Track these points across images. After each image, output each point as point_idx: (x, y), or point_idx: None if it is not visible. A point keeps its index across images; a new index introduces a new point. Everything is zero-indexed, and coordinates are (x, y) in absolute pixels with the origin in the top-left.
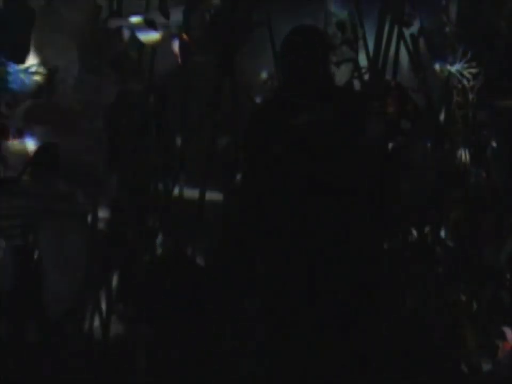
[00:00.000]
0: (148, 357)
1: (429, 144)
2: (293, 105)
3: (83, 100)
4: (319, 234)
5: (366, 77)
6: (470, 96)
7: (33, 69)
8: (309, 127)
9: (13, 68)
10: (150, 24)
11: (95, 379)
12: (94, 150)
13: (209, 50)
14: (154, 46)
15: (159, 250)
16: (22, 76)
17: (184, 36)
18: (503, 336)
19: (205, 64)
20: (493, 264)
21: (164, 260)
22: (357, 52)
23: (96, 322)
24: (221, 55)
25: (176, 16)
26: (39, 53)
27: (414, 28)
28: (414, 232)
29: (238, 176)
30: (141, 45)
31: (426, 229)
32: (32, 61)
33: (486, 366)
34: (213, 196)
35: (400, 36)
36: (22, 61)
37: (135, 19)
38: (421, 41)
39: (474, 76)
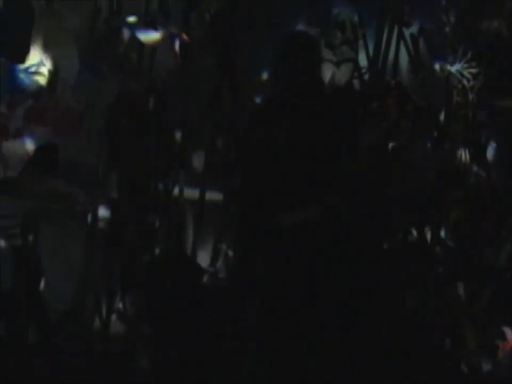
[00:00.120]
0: (148, 357)
1: (429, 144)
2: (292, 106)
3: (83, 99)
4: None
5: (366, 77)
6: (470, 96)
7: (33, 69)
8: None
9: (13, 67)
10: (150, 24)
11: (95, 379)
12: (94, 150)
13: (209, 50)
14: (154, 46)
15: (159, 250)
16: (22, 75)
17: (184, 36)
18: (503, 336)
19: (205, 64)
20: (493, 264)
21: (164, 259)
22: (357, 52)
23: (96, 322)
24: (221, 55)
25: (176, 16)
26: (40, 53)
27: (414, 28)
28: (414, 232)
29: (238, 176)
30: (141, 45)
31: (426, 229)
32: (32, 61)
33: (486, 366)
34: (213, 196)
35: (400, 35)
36: (22, 61)
37: (134, 19)
38: (421, 41)
39: (474, 76)
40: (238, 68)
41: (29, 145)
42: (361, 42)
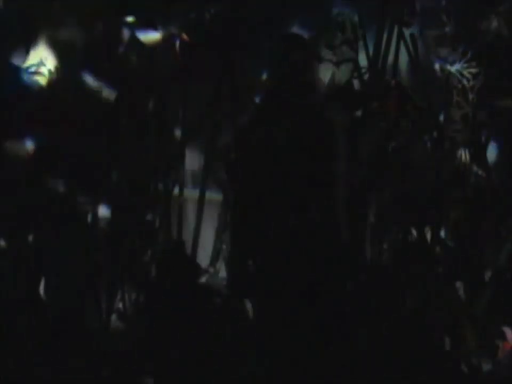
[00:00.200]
0: (148, 357)
1: (429, 144)
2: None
3: (83, 99)
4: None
5: (366, 77)
6: (470, 96)
7: (33, 69)
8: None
9: (13, 68)
10: (150, 24)
11: (95, 379)
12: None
13: (209, 50)
14: (154, 46)
15: (159, 250)
16: (22, 76)
17: (184, 36)
18: (503, 336)
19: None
20: (493, 264)
21: (164, 259)
22: (357, 52)
23: (96, 322)
24: (221, 55)
25: (176, 16)
26: (40, 53)
27: (414, 28)
28: (414, 232)
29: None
30: (141, 45)
31: (426, 229)
32: (32, 61)
33: (486, 366)
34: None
35: (400, 35)
36: (22, 61)
37: (134, 19)
38: (421, 41)
39: (474, 76)
40: (238, 67)
41: (29, 145)
42: (361, 42)
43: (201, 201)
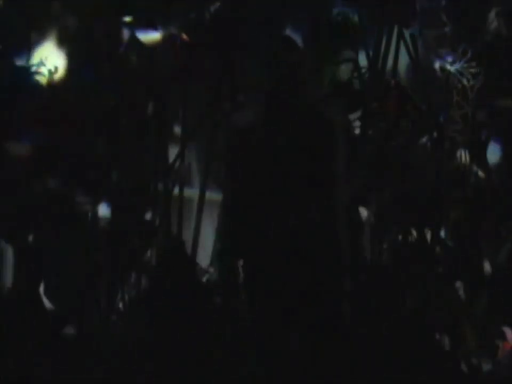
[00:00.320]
0: (148, 357)
1: (429, 144)
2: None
3: (83, 99)
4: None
5: (366, 77)
6: (470, 96)
7: (33, 69)
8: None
9: (13, 67)
10: (150, 24)
11: (95, 379)
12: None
13: (209, 50)
14: (154, 46)
15: (159, 250)
16: (22, 75)
17: (184, 36)
18: (503, 336)
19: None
20: (492, 264)
21: (164, 259)
22: (357, 52)
23: (96, 322)
24: (221, 55)
25: (176, 16)
26: (40, 52)
27: (414, 28)
28: (414, 232)
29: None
30: (141, 45)
31: (426, 229)
32: (32, 61)
33: (486, 366)
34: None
35: (400, 35)
36: (22, 60)
37: (134, 19)
38: (421, 41)
39: (474, 76)
40: (238, 67)
41: (29, 145)
42: (361, 42)
43: (201, 201)
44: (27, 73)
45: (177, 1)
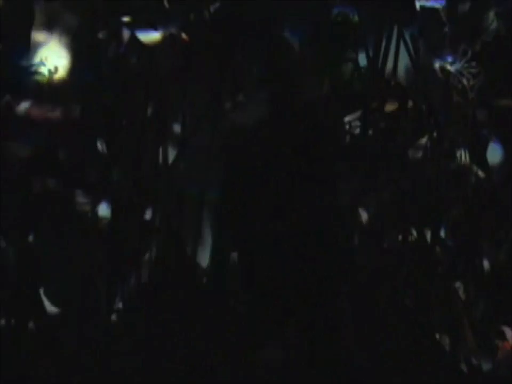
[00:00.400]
0: (148, 357)
1: (429, 144)
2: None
3: (83, 99)
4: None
5: (366, 77)
6: (470, 96)
7: (33, 69)
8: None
9: (13, 67)
10: (150, 24)
11: (95, 378)
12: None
13: (209, 50)
14: (154, 46)
15: (159, 250)
16: (22, 75)
17: (184, 36)
18: (503, 336)
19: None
20: (492, 264)
21: (164, 259)
22: (357, 52)
23: (97, 321)
24: (220, 55)
25: (176, 16)
26: (40, 52)
27: (414, 28)
28: (414, 232)
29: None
30: (141, 45)
31: (426, 229)
32: (32, 61)
33: (486, 366)
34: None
35: (400, 35)
36: (22, 60)
37: (134, 19)
38: (421, 41)
39: (474, 76)
40: (238, 67)
41: (29, 145)
42: (361, 42)
43: (201, 201)
44: (27, 73)
45: (177, 1)
